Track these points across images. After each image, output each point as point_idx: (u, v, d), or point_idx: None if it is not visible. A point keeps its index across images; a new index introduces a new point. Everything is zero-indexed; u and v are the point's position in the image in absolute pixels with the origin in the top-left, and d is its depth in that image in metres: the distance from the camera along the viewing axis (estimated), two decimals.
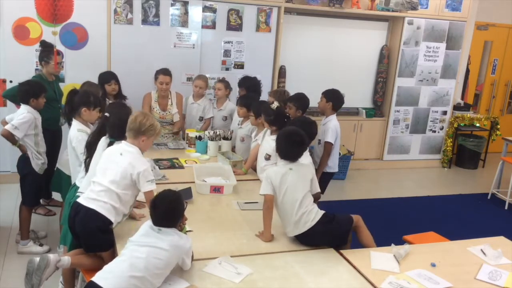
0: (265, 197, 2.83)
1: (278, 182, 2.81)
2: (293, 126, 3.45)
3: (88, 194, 2.67)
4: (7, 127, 3.62)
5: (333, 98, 4.26)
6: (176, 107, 4.77)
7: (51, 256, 2.57)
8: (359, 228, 2.98)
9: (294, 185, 2.82)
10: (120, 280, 2.15)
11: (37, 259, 2.55)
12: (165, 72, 4.63)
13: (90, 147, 3.04)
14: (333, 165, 4.27)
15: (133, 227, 2.68)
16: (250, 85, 4.79)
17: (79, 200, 2.68)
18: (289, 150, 2.90)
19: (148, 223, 2.36)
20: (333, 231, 2.83)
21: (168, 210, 2.30)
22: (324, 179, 4.19)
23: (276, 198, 2.84)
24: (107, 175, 2.65)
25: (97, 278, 2.19)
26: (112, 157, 2.70)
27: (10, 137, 3.65)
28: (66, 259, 2.63)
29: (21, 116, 3.64)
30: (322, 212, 2.85)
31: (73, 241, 2.87)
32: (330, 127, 4.16)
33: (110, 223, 2.62)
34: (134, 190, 2.70)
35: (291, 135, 2.94)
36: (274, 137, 3.57)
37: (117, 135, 2.85)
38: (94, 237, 2.60)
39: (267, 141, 3.71)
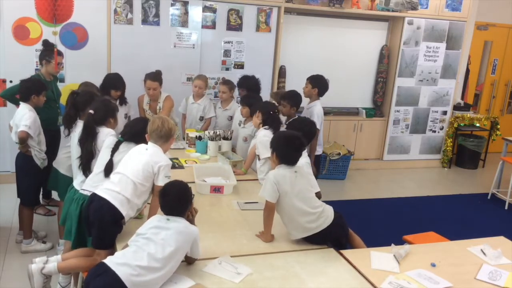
0: (267, 204, 2.77)
1: (288, 187, 2.75)
2: (291, 127, 3.48)
3: (105, 185, 2.71)
4: (23, 129, 3.60)
5: (319, 84, 4.38)
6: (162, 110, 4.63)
7: (33, 266, 2.67)
8: None
9: (305, 187, 2.82)
10: (130, 268, 2.17)
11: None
12: (153, 77, 4.52)
13: (83, 145, 3.11)
14: (319, 148, 4.46)
15: (133, 228, 2.67)
16: (250, 85, 4.78)
17: (95, 190, 2.71)
18: (291, 155, 2.86)
19: (155, 216, 2.44)
20: (345, 226, 2.90)
21: (177, 196, 2.41)
22: (316, 162, 4.40)
23: (281, 202, 2.77)
24: (128, 166, 2.72)
25: (110, 262, 2.20)
26: (137, 152, 2.80)
27: (27, 138, 3.65)
28: (52, 266, 2.69)
29: (27, 116, 3.64)
30: (331, 207, 2.89)
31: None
32: (316, 112, 4.26)
33: (121, 216, 2.63)
34: (151, 184, 2.76)
35: (291, 139, 2.90)
36: (258, 133, 3.66)
37: (128, 137, 2.97)
38: (105, 227, 2.62)
39: (253, 142, 3.73)
